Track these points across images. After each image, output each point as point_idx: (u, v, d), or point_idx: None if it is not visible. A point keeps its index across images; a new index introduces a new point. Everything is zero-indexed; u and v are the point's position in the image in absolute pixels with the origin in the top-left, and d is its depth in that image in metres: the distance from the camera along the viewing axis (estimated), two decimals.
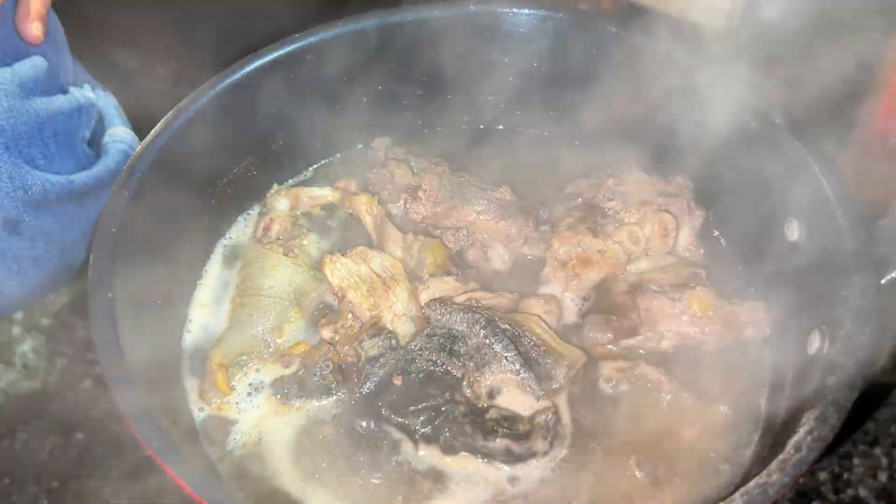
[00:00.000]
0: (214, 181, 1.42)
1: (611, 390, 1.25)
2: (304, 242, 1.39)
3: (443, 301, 1.28)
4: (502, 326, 1.23)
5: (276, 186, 1.51)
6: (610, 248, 1.35)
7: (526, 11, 1.48)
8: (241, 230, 1.48)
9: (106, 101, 1.67)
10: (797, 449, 0.98)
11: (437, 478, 1.17)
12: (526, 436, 1.17)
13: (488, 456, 1.17)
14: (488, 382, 1.22)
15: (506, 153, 1.61)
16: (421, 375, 1.21)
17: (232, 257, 1.44)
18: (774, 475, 0.96)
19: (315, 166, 1.60)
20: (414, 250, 1.34)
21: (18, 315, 1.77)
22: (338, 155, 1.62)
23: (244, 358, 1.27)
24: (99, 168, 1.52)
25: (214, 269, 1.43)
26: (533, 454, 1.17)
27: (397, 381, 1.20)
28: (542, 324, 1.27)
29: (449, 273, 1.34)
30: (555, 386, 1.21)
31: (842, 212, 1.17)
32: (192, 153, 1.33)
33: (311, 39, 1.43)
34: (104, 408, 1.64)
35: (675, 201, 1.39)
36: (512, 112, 1.63)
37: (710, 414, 1.22)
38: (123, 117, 1.68)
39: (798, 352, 1.19)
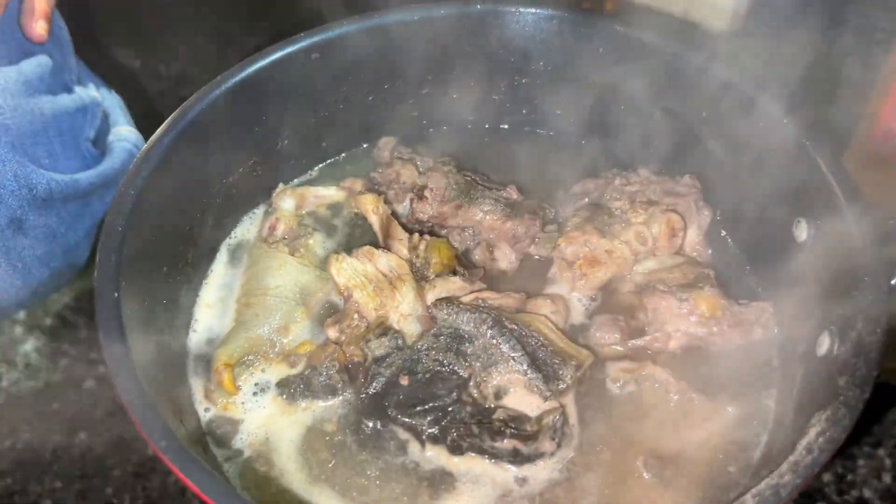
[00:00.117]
0: (220, 180, 1.41)
1: (618, 391, 1.25)
2: (310, 242, 1.39)
3: (449, 301, 1.28)
4: (509, 326, 1.23)
5: (281, 186, 1.50)
6: (617, 247, 1.34)
7: (532, 10, 1.47)
8: (246, 230, 1.48)
9: (111, 101, 1.67)
10: (809, 450, 0.98)
11: (444, 478, 1.16)
12: (533, 436, 1.16)
13: (495, 456, 1.16)
14: (495, 383, 1.22)
15: (512, 153, 1.61)
16: (427, 375, 1.21)
17: (237, 257, 1.43)
18: (786, 476, 0.95)
19: (320, 166, 1.59)
20: (420, 250, 1.34)
21: (21, 314, 1.77)
22: (343, 154, 1.61)
23: (250, 358, 1.27)
24: (104, 167, 1.52)
25: (220, 268, 1.42)
26: (540, 455, 1.16)
27: (404, 381, 1.20)
28: (550, 324, 1.26)
29: (455, 273, 1.33)
30: (562, 386, 1.21)
31: (851, 211, 1.17)
32: (197, 153, 1.33)
33: (317, 38, 1.42)
34: (107, 408, 1.64)
35: (683, 201, 1.38)
36: (518, 111, 1.63)
37: (717, 415, 1.22)
38: (128, 116, 1.68)
39: (807, 352, 1.19)
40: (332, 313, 1.32)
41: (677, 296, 1.28)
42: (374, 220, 1.38)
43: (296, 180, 1.57)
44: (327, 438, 1.21)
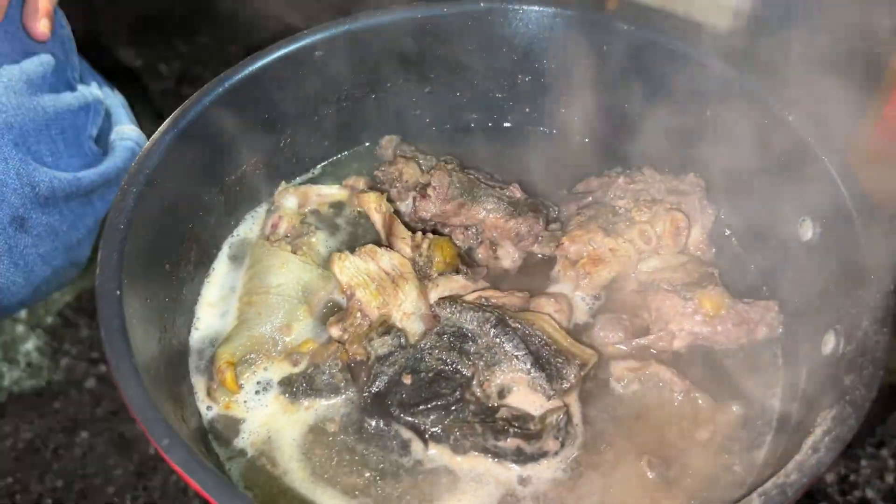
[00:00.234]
0: (222, 179, 1.41)
1: (622, 390, 1.24)
2: (313, 240, 1.39)
3: (452, 299, 1.27)
4: (513, 325, 1.22)
5: (283, 184, 1.50)
6: (621, 246, 1.34)
7: (535, 8, 1.47)
8: (248, 228, 1.47)
9: (113, 99, 1.67)
10: (815, 449, 0.97)
11: (447, 477, 1.16)
12: (537, 435, 1.16)
13: (499, 456, 1.16)
14: (498, 381, 1.22)
15: (515, 151, 1.61)
16: (430, 374, 1.20)
17: (240, 255, 1.43)
18: (793, 475, 0.95)
19: (323, 164, 1.59)
20: (423, 248, 1.34)
21: (22, 313, 1.77)
22: (346, 153, 1.61)
23: (252, 356, 1.26)
24: (106, 165, 1.52)
25: (222, 267, 1.42)
26: (544, 454, 1.16)
27: (407, 380, 1.20)
28: (553, 323, 1.26)
29: (458, 271, 1.33)
30: (566, 385, 1.20)
31: (857, 210, 1.16)
32: (199, 151, 1.32)
33: (320, 36, 1.42)
34: (108, 407, 1.64)
35: (687, 199, 1.38)
36: (521, 110, 1.63)
37: (722, 414, 1.22)
38: (131, 115, 1.68)
39: (812, 351, 1.18)
40: (334, 312, 1.32)
41: (681, 294, 1.28)
42: (377, 219, 1.37)
43: (298, 178, 1.57)
44: (330, 437, 1.20)
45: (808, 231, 1.26)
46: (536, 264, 1.41)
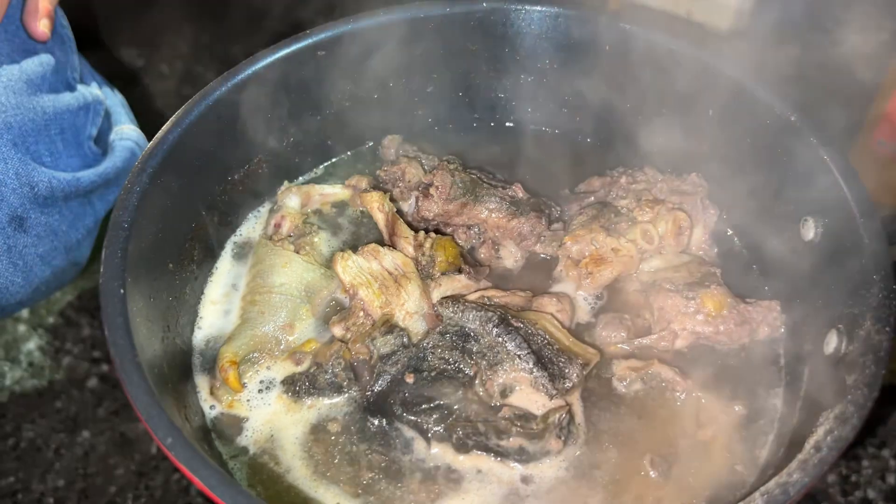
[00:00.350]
0: (225, 178, 1.41)
1: (624, 389, 1.24)
2: (315, 240, 1.39)
3: (455, 299, 1.27)
4: (515, 325, 1.22)
5: (286, 184, 1.50)
6: (623, 246, 1.34)
7: (538, 9, 1.48)
8: (251, 227, 1.47)
9: (113, 99, 1.67)
10: (817, 448, 0.97)
11: (450, 476, 1.16)
12: (539, 435, 1.16)
13: (501, 455, 1.16)
14: (501, 381, 1.22)
15: (517, 151, 1.61)
16: (433, 373, 1.20)
17: (242, 254, 1.43)
18: (795, 475, 0.95)
19: (325, 164, 1.59)
20: (426, 248, 1.34)
21: (24, 313, 1.77)
22: (348, 153, 1.61)
23: (255, 355, 1.26)
24: (106, 165, 1.52)
25: (225, 266, 1.42)
26: (546, 453, 1.16)
27: (409, 379, 1.20)
28: (556, 322, 1.26)
29: (460, 271, 1.33)
30: (568, 385, 1.20)
31: (859, 210, 1.16)
32: (202, 150, 1.33)
33: (322, 36, 1.42)
34: (110, 406, 1.64)
35: (689, 199, 1.38)
36: (523, 109, 1.63)
37: (724, 413, 1.22)
38: (130, 115, 1.68)
39: (814, 351, 1.18)
40: (337, 311, 1.32)
41: (684, 294, 1.28)
42: (380, 218, 1.37)
43: (301, 178, 1.57)
44: (332, 436, 1.20)
45: (810, 231, 1.26)
46: (539, 264, 1.41)
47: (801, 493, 0.94)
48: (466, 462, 1.17)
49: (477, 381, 1.20)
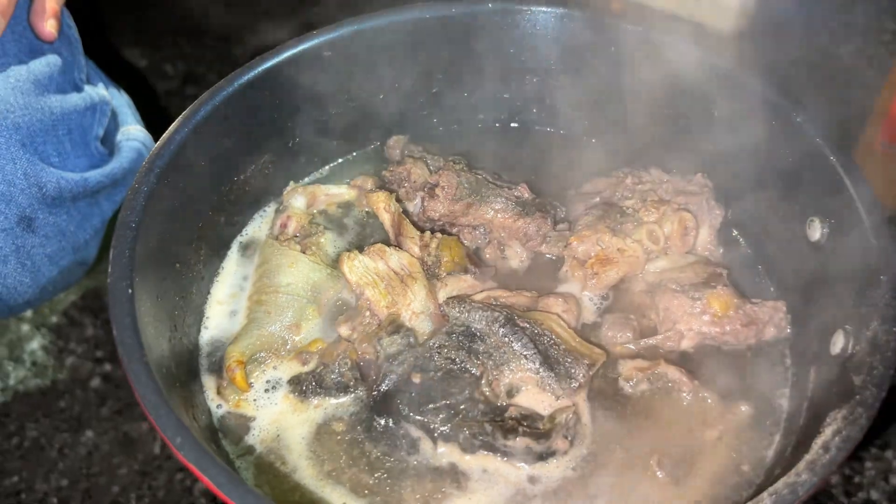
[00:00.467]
0: (231, 178, 1.41)
1: (631, 389, 1.25)
2: (321, 240, 1.39)
3: (461, 299, 1.28)
4: (521, 325, 1.23)
5: (292, 184, 1.50)
6: (629, 246, 1.34)
7: (543, 9, 1.48)
8: (257, 227, 1.48)
9: (119, 99, 1.67)
10: (826, 449, 0.97)
11: (456, 476, 1.16)
12: (546, 435, 1.16)
13: (508, 455, 1.16)
14: (507, 381, 1.22)
15: (522, 151, 1.61)
16: (439, 373, 1.20)
17: (248, 254, 1.44)
18: (804, 475, 0.95)
19: (331, 164, 1.60)
20: (431, 248, 1.34)
21: (27, 312, 1.77)
22: (354, 153, 1.61)
23: (262, 355, 1.26)
24: (113, 166, 1.52)
25: (231, 266, 1.42)
26: (553, 453, 1.16)
27: (416, 379, 1.19)
28: (562, 322, 1.26)
29: (466, 271, 1.33)
30: (574, 385, 1.20)
31: (866, 210, 1.16)
32: (208, 150, 1.33)
33: (328, 36, 1.42)
34: (114, 406, 1.64)
35: (695, 200, 1.38)
36: (528, 110, 1.63)
37: (730, 413, 1.22)
38: (137, 115, 1.68)
39: (820, 351, 1.19)
40: (343, 311, 1.32)
41: (690, 295, 1.28)
42: (386, 218, 1.37)
43: (307, 178, 1.57)
44: (339, 436, 1.20)
45: (816, 231, 1.26)
46: (544, 264, 1.42)
47: (810, 494, 0.94)
48: (473, 462, 1.17)
49: (483, 381, 1.20)
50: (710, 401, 1.22)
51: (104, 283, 1.77)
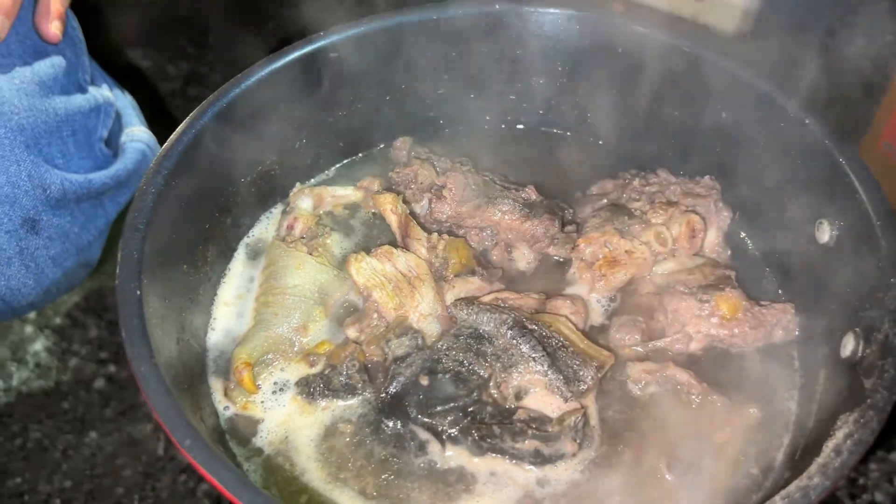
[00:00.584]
0: (238, 180, 1.41)
1: (639, 392, 1.24)
2: (328, 241, 1.39)
3: (469, 301, 1.27)
4: (529, 327, 1.22)
5: (298, 185, 1.50)
6: (637, 248, 1.34)
7: (551, 11, 1.48)
8: (264, 229, 1.47)
9: (123, 101, 1.67)
10: (837, 452, 0.97)
11: (465, 479, 1.16)
12: (554, 437, 1.16)
13: (516, 457, 1.16)
14: (515, 383, 1.21)
15: (529, 153, 1.61)
16: (448, 375, 1.20)
17: (255, 256, 1.43)
18: (815, 478, 0.95)
19: (337, 166, 1.59)
20: (439, 249, 1.34)
21: (31, 314, 1.76)
22: (360, 154, 1.61)
23: (269, 357, 1.26)
24: (117, 167, 1.51)
25: (238, 267, 1.42)
26: (561, 456, 1.16)
27: (424, 381, 1.19)
28: (570, 325, 1.26)
29: (474, 273, 1.33)
30: (583, 387, 1.20)
31: (875, 212, 1.16)
32: (215, 152, 1.32)
33: (335, 38, 1.42)
34: (117, 407, 1.64)
35: (703, 202, 1.38)
36: (534, 112, 1.63)
37: (739, 416, 1.22)
38: (141, 117, 1.68)
39: (830, 354, 1.19)
40: (350, 313, 1.32)
41: (698, 297, 1.28)
42: (393, 220, 1.37)
43: (313, 180, 1.57)
44: (347, 438, 1.20)
45: (825, 234, 1.25)
46: (552, 266, 1.41)
47: (822, 497, 0.94)
48: (481, 464, 1.16)
49: (491, 384, 1.20)
50: (718, 403, 1.22)
51: (107, 284, 1.79)
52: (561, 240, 1.40)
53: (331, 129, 1.53)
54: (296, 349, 1.28)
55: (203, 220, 1.34)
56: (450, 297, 1.29)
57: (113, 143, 1.59)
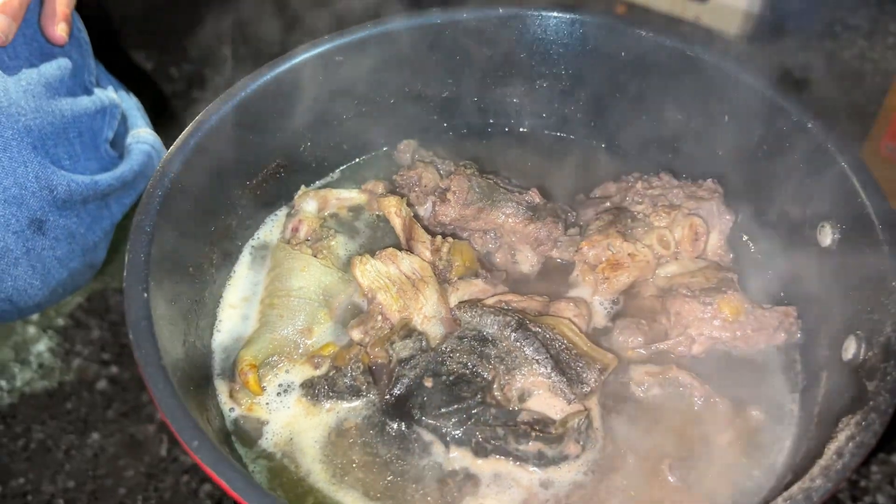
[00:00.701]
0: (243, 182, 1.42)
1: (642, 394, 1.25)
2: (332, 244, 1.39)
3: (472, 303, 1.28)
4: (533, 329, 1.23)
5: (303, 188, 1.51)
6: (640, 251, 1.34)
7: (554, 14, 1.48)
8: (269, 231, 1.48)
9: (128, 102, 1.67)
10: (839, 454, 0.98)
11: (469, 480, 1.16)
12: (558, 439, 1.16)
13: (520, 459, 1.16)
14: (519, 385, 1.22)
15: (531, 156, 1.62)
16: (451, 377, 1.20)
17: (260, 258, 1.44)
18: (818, 480, 0.95)
19: (342, 168, 1.60)
20: (443, 252, 1.34)
21: (34, 315, 1.77)
22: (364, 157, 1.62)
23: (274, 359, 1.27)
24: (123, 169, 1.52)
25: (243, 269, 1.42)
26: (565, 457, 1.16)
27: (428, 383, 1.20)
28: (573, 327, 1.26)
29: (477, 275, 1.34)
30: (586, 389, 1.21)
31: (877, 215, 1.16)
32: (221, 155, 1.33)
33: (340, 41, 1.43)
34: (120, 408, 1.64)
35: (705, 205, 1.38)
36: (538, 115, 1.63)
37: (741, 418, 1.22)
38: (146, 118, 1.68)
39: (832, 357, 1.19)
40: (354, 315, 1.32)
41: (701, 299, 1.28)
42: (397, 223, 1.38)
43: (318, 182, 1.57)
44: (351, 440, 1.21)
45: (827, 237, 1.26)
46: (555, 269, 1.42)
47: (823, 499, 0.95)
48: (485, 466, 1.17)
49: (495, 386, 1.21)
50: (721, 405, 1.22)
51: (110, 285, 1.80)
52: (564, 242, 1.41)
53: (335, 132, 1.54)
54: (301, 351, 1.28)
55: (208, 222, 1.34)
56: (453, 300, 1.30)
57: (118, 145, 1.59)
